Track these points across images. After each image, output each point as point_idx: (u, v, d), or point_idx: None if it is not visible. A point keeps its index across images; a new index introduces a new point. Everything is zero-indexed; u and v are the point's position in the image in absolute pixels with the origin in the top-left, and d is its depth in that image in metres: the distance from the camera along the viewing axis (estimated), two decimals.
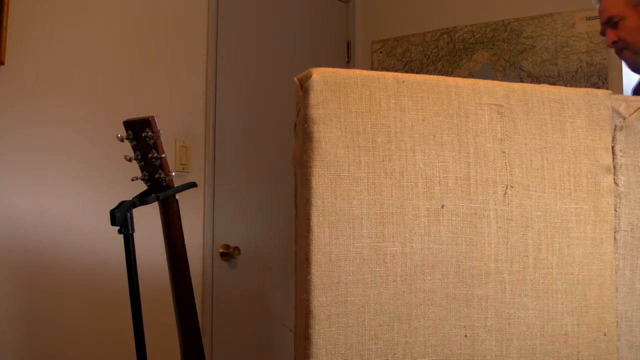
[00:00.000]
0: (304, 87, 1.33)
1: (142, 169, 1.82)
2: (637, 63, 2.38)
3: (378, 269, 1.31)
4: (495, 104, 1.40)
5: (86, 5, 2.75)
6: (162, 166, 1.77)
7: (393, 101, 1.35)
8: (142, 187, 1.93)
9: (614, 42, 2.34)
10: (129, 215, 1.74)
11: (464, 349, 1.35)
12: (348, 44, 4.28)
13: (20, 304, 2.51)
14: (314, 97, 1.31)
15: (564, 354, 1.40)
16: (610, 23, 2.35)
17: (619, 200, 1.46)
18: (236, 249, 3.36)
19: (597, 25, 3.51)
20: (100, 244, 2.65)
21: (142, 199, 1.78)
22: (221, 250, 3.33)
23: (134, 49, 2.93)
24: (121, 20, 2.88)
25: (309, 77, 1.32)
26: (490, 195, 1.38)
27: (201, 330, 1.94)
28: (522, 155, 1.40)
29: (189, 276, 1.76)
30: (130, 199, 1.80)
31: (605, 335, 1.43)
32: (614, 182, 1.46)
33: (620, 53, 2.37)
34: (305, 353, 1.29)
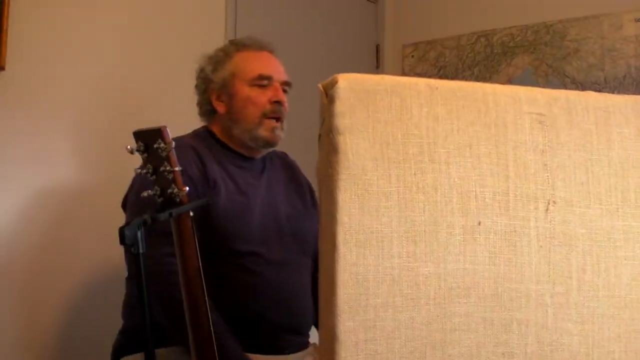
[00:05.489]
0: (329, 94, 1.33)
1: (153, 183, 1.81)
2: (275, 139, 2.44)
3: (409, 292, 1.31)
4: (537, 113, 1.41)
5: (89, 9, 2.77)
6: (175, 180, 1.76)
7: (425, 110, 1.35)
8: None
9: (282, 104, 2.42)
10: (139, 233, 1.72)
11: None
12: (377, 48, 4.28)
13: (25, 312, 2.54)
14: (340, 106, 1.32)
15: None
16: (285, 88, 2.47)
17: None
18: None
19: None
20: (106, 258, 2.67)
21: (153, 216, 1.76)
22: None
23: (141, 54, 2.92)
24: (126, 25, 2.87)
25: (334, 83, 1.33)
26: (531, 212, 1.38)
27: None
28: (566, 168, 1.40)
29: (205, 302, 1.71)
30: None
31: None
32: None
33: (276, 120, 2.41)
34: None
